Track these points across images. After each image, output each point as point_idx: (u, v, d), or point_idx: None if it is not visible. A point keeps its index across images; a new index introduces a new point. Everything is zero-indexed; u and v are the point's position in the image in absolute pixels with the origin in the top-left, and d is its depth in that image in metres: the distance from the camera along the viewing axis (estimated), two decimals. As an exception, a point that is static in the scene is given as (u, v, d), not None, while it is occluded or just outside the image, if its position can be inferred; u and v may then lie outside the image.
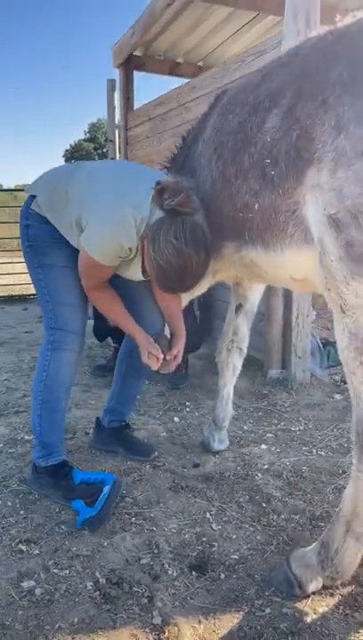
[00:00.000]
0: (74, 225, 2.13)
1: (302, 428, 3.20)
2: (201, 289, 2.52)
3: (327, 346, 4.01)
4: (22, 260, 2.42)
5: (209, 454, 2.77)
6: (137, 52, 6.94)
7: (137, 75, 7.20)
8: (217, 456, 2.76)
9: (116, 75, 7.16)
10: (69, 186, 2.17)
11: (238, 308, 2.67)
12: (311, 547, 1.80)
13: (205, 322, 4.48)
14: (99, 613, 1.65)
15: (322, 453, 2.84)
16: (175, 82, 6.94)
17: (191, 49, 6.76)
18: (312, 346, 3.89)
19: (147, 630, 1.59)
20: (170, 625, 1.61)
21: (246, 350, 2.74)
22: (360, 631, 1.62)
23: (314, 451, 2.87)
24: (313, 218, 1.61)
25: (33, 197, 2.25)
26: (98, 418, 2.81)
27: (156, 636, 1.58)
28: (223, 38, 6.40)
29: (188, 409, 3.44)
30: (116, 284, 2.28)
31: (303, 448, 2.91)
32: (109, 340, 4.22)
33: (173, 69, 7.16)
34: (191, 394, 3.68)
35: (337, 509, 1.73)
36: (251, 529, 2.15)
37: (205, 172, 2.14)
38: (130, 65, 6.95)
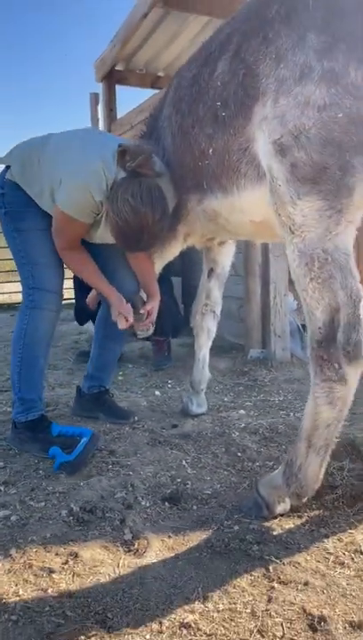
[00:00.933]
0: (47, 190, 2.24)
1: (281, 398, 3.26)
2: (173, 253, 2.62)
3: (306, 327, 4.10)
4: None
5: (188, 417, 2.83)
6: (119, 67, 7.18)
7: (120, 88, 7.43)
8: (195, 419, 2.82)
9: (100, 88, 7.39)
10: (40, 154, 2.29)
11: (210, 272, 2.77)
12: (277, 469, 1.86)
13: (188, 312, 4.58)
14: (71, 531, 1.70)
15: (299, 415, 2.89)
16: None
17: (171, 62, 7.01)
18: (292, 328, 3.99)
19: (117, 544, 1.64)
20: (140, 539, 1.66)
21: (219, 313, 2.83)
22: (323, 540, 1.67)
23: (291, 414, 2.94)
24: (262, 149, 1.72)
25: (8, 167, 2.37)
26: (78, 386, 2.88)
27: (126, 548, 1.62)
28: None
29: (169, 385, 3.51)
30: (90, 249, 2.38)
31: (281, 412, 2.97)
32: (91, 329, 4.29)
33: (154, 83, 7.40)
34: (174, 373, 3.75)
35: (299, 428, 1.80)
36: (225, 473, 2.21)
37: (167, 130, 2.26)
38: (112, 79, 7.18)
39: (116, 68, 7.16)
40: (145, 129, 2.71)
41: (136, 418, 2.78)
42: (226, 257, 2.76)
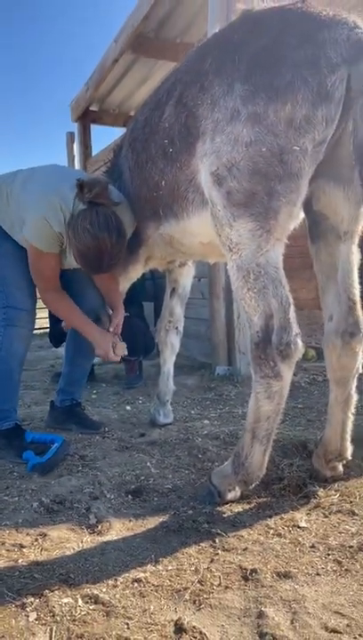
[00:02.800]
0: (16, 224, 2.50)
1: (244, 410, 3.47)
2: (136, 274, 2.89)
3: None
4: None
5: (155, 427, 3.04)
6: (93, 107, 7.58)
7: (95, 127, 7.82)
8: (162, 428, 3.03)
9: (75, 128, 7.77)
10: (9, 189, 2.55)
11: (172, 292, 3.03)
12: (227, 461, 2.08)
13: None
14: (41, 518, 1.89)
15: (258, 424, 3.13)
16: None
17: (142, 102, 7.41)
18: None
19: (83, 527, 1.84)
20: (103, 523, 1.86)
21: (182, 330, 3.07)
22: (267, 519, 1.89)
23: (252, 422, 3.16)
24: (204, 180, 2.00)
25: None
26: (52, 400, 3.08)
27: (90, 530, 1.82)
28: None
29: (140, 401, 3.72)
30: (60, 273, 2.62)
31: (242, 421, 3.18)
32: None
33: (126, 121, 7.80)
34: (145, 391, 3.96)
35: (244, 423, 2.04)
36: (186, 472, 2.41)
37: (125, 166, 2.55)
38: (87, 119, 7.57)
39: (91, 109, 7.56)
40: (109, 165, 2.99)
41: (106, 428, 2.99)
42: (186, 278, 3.03)
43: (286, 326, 1.87)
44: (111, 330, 2.71)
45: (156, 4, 4.98)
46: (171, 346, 3.06)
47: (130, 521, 1.90)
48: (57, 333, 4.20)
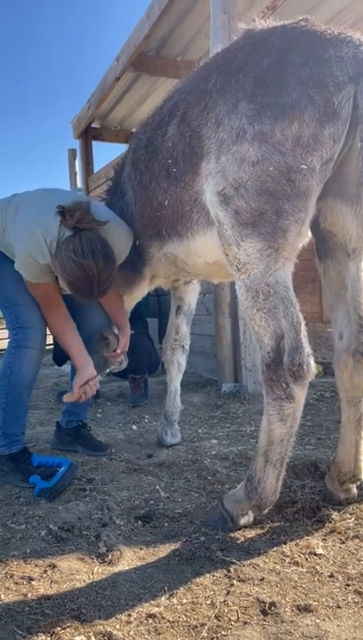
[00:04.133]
0: (10, 249, 2.47)
1: (252, 428, 3.44)
2: (141, 293, 2.86)
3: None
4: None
5: (163, 448, 2.99)
6: (95, 124, 7.63)
7: (96, 143, 7.85)
8: (170, 448, 2.98)
9: (77, 144, 7.81)
10: (3, 217, 2.51)
11: (178, 309, 3.00)
12: (239, 485, 2.03)
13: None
14: (50, 547, 1.84)
15: (268, 442, 3.08)
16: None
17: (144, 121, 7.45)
18: (262, 361, 4.20)
19: (93, 556, 1.79)
20: (113, 551, 1.81)
21: (188, 348, 3.04)
22: (282, 546, 1.84)
23: (261, 441, 3.11)
24: (209, 200, 1.98)
25: None
26: (57, 422, 3.04)
27: (100, 560, 1.77)
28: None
29: (146, 420, 3.67)
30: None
31: (251, 440, 3.15)
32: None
33: (128, 138, 7.83)
34: (150, 409, 3.92)
35: (256, 447, 1.99)
36: (196, 494, 2.36)
37: (128, 186, 2.53)
38: (88, 135, 7.61)
39: (92, 126, 7.60)
40: (110, 184, 2.98)
41: (113, 450, 2.94)
42: (192, 295, 3.00)
43: (297, 346, 1.83)
44: (119, 351, 2.68)
45: (157, 23, 5.01)
46: (177, 364, 3.02)
47: (141, 549, 1.85)
48: (61, 352, 4.17)
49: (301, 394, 1.85)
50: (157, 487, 2.43)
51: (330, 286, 2.10)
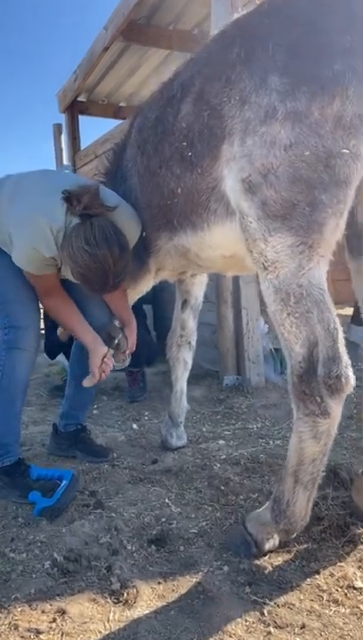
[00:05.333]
0: (7, 239, 2.20)
1: (258, 425, 3.26)
2: (146, 286, 2.62)
3: (279, 352, 4.13)
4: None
5: (168, 451, 2.79)
6: (81, 98, 7.24)
7: (83, 118, 7.48)
8: (176, 452, 2.78)
9: (63, 119, 7.43)
10: None
11: (184, 303, 2.77)
12: (265, 505, 1.84)
13: (161, 340, 4.56)
14: (57, 585, 1.64)
15: (279, 443, 2.90)
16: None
17: (133, 92, 7.10)
18: (265, 352, 4.01)
19: (106, 595, 1.59)
20: (129, 588, 1.62)
21: (195, 344, 2.82)
22: (315, 577, 1.66)
23: (271, 442, 2.93)
24: (231, 187, 1.74)
25: None
26: (54, 424, 2.82)
27: (115, 599, 1.58)
28: (162, 80, 6.76)
29: (146, 417, 3.47)
30: (62, 283, 2.35)
31: (260, 440, 2.96)
32: (65, 363, 4.23)
33: (116, 113, 7.48)
34: (150, 404, 3.71)
35: (284, 464, 1.80)
36: (210, 508, 2.17)
37: (133, 171, 2.27)
38: (75, 109, 7.23)
39: (79, 99, 7.22)
40: (109, 166, 2.70)
41: (115, 454, 2.74)
42: (199, 288, 2.77)
43: (334, 356, 1.62)
44: (127, 351, 2.47)
45: (148, -12, 4.66)
46: (184, 362, 2.81)
47: (159, 583, 1.65)
48: (53, 344, 3.93)
49: (337, 409, 1.64)
50: (167, 500, 2.24)
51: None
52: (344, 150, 1.52)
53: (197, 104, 1.84)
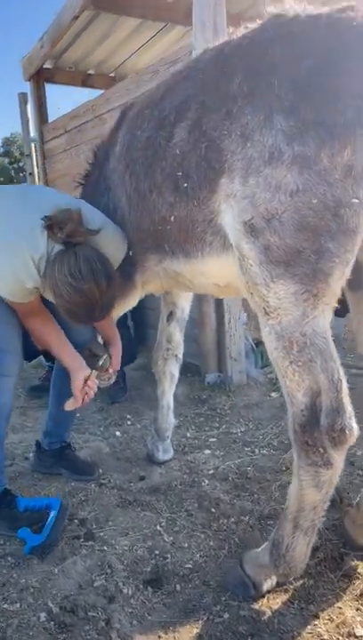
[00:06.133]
0: None
1: (242, 429, 3.25)
2: (133, 303, 2.51)
3: (260, 346, 4.10)
4: None
5: (154, 465, 2.76)
6: (48, 65, 6.85)
7: (51, 87, 7.10)
8: (163, 466, 2.75)
9: (28, 88, 7.04)
10: None
11: (170, 315, 2.68)
12: (263, 547, 1.83)
13: (138, 332, 4.47)
14: (55, 643, 1.60)
15: (265, 452, 2.90)
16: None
17: (102, 60, 6.75)
18: (246, 347, 3.97)
19: (106, 654, 1.56)
20: (130, 645, 1.59)
21: (181, 357, 2.76)
22: (315, 622, 1.66)
23: (256, 450, 2.93)
24: (230, 225, 1.65)
25: None
26: (37, 441, 2.74)
27: (116, 659, 1.55)
28: (134, 49, 6.44)
29: (129, 422, 3.42)
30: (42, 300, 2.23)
31: (246, 449, 2.95)
32: (42, 359, 4.12)
33: (85, 81, 7.13)
34: (131, 406, 3.66)
35: (284, 507, 1.77)
36: (202, 536, 2.16)
37: (120, 189, 2.13)
38: (41, 77, 6.85)
39: (45, 67, 6.84)
40: (90, 170, 2.55)
41: (100, 471, 2.69)
42: (185, 300, 2.68)
43: (338, 407, 1.58)
44: (111, 370, 2.38)
45: None
46: (170, 376, 2.74)
47: (159, 637, 1.63)
48: (28, 346, 3.79)
49: (340, 459, 1.62)
50: (159, 528, 2.21)
51: (361, 320, 1.84)
52: (354, 200, 1.44)
53: (193, 132, 1.71)
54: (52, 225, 1.89)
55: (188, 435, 3.18)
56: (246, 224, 1.57)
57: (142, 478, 2.64)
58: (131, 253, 2.19)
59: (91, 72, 7.11)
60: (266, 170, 1.50)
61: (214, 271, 1.90)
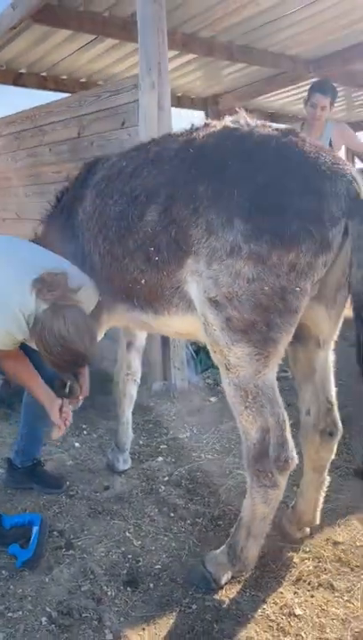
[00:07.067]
0: None
1: (188, 434, 3.68)
2: (99, 338, 2.83)
3: (199, 354, 4.54)
4: None
5: (115, 475, 3.13)
6: (-22, 63, 6.78)
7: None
8: (123, 475, 3.13)
9: None
10: None
11: (129, 345, 3.03)
12: (221, 549, 2.26)
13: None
14: (59, 642, 1.97)
15: (209, 457, 3.35)
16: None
17: (35, 60, 6.78)
18: (186, 356, 4.39)
19: (104, 648, 1.95)
20: (121, 638, 1.98)
21: (139, 380, 3.12)
22: (264, 606, 2.13)
23: (202, 455, 3.37)
24: (196, 296, 2.03)
25: None
26: (9, 459, 3.02)
27: (112, 650, 1.94)
28: (69, 52, 6.52)
29: (85, 432, 3.75)
30: None
31: (193, 454, 3.39)
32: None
33: (16, 80, 7.11)
34: (85, 416, 3.96)
35: (239, 517, 2.21)
36: (165, 539, 2.57)
37: (93, 247, 2.43)
38: (-29, 75, 6.78)
39: (-24, 65, 6.77)
40: (52, 212, 2.82)
41: (68, 483, 3.02)
42: (143, 332, 3.04)
43: (283, 443, 2.03)
44: (81, 397, 2.70)
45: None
46: (130, 397, 3.11)
47: (143, 629, 2.03)
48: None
49: (284, 481, 2.08)
50: (128, 534, 2.60)
51: (299, 368, 2.29)
52: (297, 289, 1.86)
53: (163, 217, 2.06)
54: (43, 288, 2.17)
55: (140, 442, 3.57)
56: (211, 300, 1.95)
57: (107, 488, 3.01)
58: (100, 299, 2.52)
59: (22, 71, 7.11)
60: (228, 260, 1.89)
61: (178, 325, 2.28)
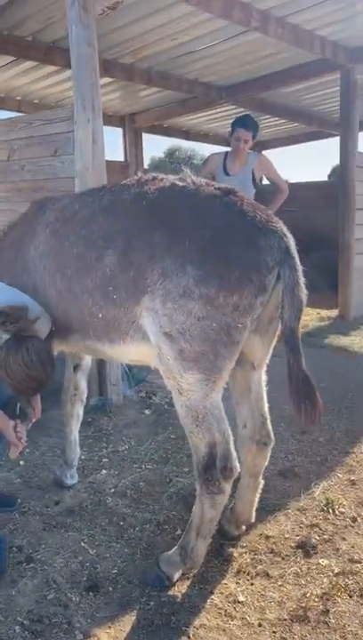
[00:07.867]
0: None
1: (127, 447, 3.95)
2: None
3: (132, 368, 4.82)
4: None
5: (64, 489, 3.33)
6: None
7: None
8: (71, 490, 3.34)
9: None
10: None
11: (76, 367, 3.25)
12: (173, 550, 2.56)
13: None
14: (35, 647, 2.17)
15: (149, 467, 3.64)
16: None
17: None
18: (121, 372, 4.65)
19: (77, 648, 2.18)
20: (91, 637, 2.22)
21: (85, 400, 3.35)
22: (212, 597, 2.45)
23: (143, 466, 3.65)
24: (151, 330, 2.32)
25: None
26: None
27: (84, 649, 2.17)
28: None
29: (27, 450, 3.89)
30: None
31: (134, 465, 3.66)
32: None
33: None
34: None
35: (189, 521, 2.52)
36: (118, 546, 2.83)
37: (48, 282, 2.65)
38: None
39: None
40: (3, 248, 2.99)
41: (19, 501, 3.19)
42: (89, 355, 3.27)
43: (227, 455, 2.37)
44: (34, 420, 2.88)
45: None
46: (77, 417, 3.32)
47: (110, 627, 2.28)
48: None
49: (229, 488, 2.41)
50: (83, 544, 2.82)
51: (236, 387, 2.64)
52: (239, 325, 2.21)
53: (121, 260, 2.33)
54: (5, 320, 2.37)
55: (83, 457, 3.78)
56: (166, 334, 2.25)
57: (57, 503, 3.21)
58: (53, 328, 2.73)
59: None
60: (181, 300, 2.20)
61: (133, 353, 2.55)
